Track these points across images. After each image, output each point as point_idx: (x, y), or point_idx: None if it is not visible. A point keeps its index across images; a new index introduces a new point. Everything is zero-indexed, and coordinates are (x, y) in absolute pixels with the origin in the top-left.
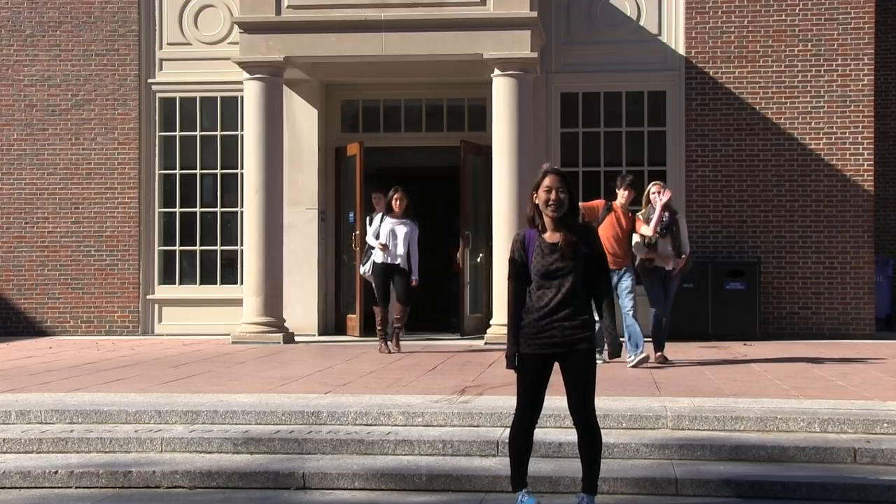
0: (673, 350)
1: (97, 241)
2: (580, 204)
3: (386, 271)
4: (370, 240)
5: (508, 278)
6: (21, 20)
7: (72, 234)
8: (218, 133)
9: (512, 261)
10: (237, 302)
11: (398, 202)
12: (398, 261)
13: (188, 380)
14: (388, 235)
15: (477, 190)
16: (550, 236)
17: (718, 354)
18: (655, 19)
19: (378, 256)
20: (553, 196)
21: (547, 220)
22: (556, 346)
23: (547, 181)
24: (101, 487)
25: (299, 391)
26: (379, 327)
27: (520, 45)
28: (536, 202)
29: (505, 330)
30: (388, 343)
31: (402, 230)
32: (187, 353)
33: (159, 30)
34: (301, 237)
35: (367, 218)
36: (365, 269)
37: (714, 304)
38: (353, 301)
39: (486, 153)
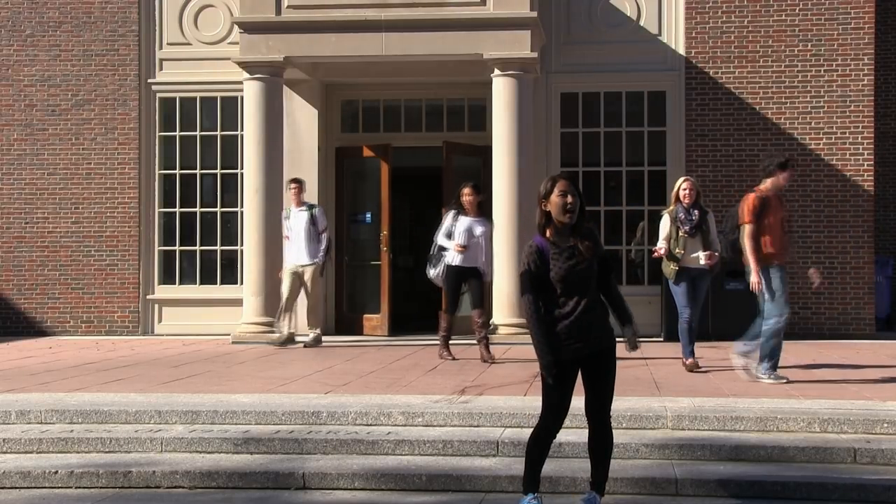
0: (673, 350)
1: (97, 241)
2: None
3: (460, 274)
4: (442, 241)
5: (523, 293)
6: (21, 20)
7: (72, 234)
8: (218, 133)
9: (527, 273)
10: (237, 302)
11: (470, 199)
12: (477, 263)
13: (188, 380)
14: (464, 235)
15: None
16: (564, 240)
17: (718, 354)
18: (655, 19)
19: (453, 258)
20: (570, 200)
21: (560, 226)
22: (588, 348)
23: (561, 186)
24: (101, 487)
25: (299, 391)
26: (444, 333)
27: (520, 45)
28: (547, 209)
29: (506, 330)
30: (449, 350)
31: (479, 229)
32: (187, 353)
33: (159, 30)
34: None
35: (283, 212)
36: (437, 273)
37: (714, 304)
38: (376, 300)
39: (485, 153)
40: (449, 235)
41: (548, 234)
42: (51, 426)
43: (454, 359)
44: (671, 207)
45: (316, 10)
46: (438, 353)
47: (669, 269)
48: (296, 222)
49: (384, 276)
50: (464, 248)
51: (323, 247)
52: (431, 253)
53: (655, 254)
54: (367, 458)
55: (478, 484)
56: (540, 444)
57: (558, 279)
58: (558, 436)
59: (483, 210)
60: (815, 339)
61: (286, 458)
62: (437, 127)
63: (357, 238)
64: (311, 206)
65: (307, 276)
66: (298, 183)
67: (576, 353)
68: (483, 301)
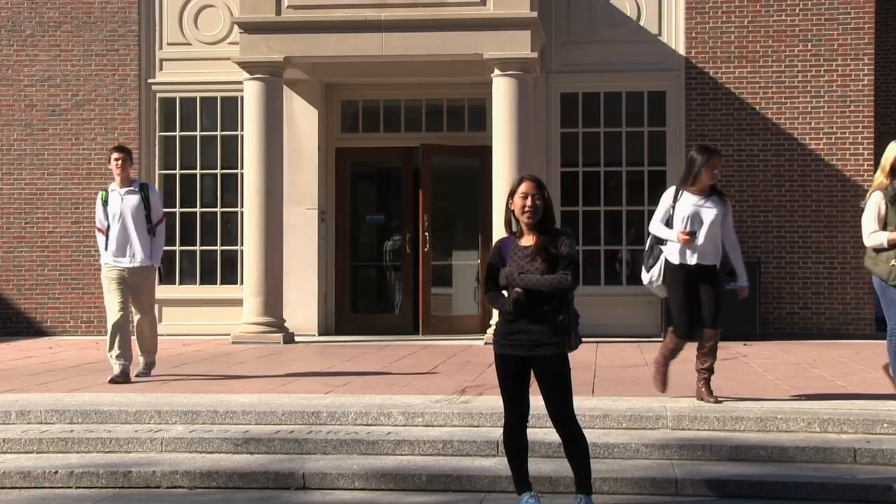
0: None
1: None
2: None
3: (690, 276)
4: (657, 229)
5: (482, 284)
6: (21, 20)
7: (72, 234)
8: (218, 133)
9: (488, 266)
10: (237, 302)
11: (710, 170)
12: (710, 258)
13: (188, 380)
14: (688, 221)
15: (469, 191)
16: (525, 240)
17: (718, 354)
18: (655, 19)
19: (675, 254)
20: (528, 202)
21: (523, 226)
22: (523, 349)
23: (523, 188)
24: (101, 487)
25: (299, 391)
26: (664, 356)
27: (520, 45)
28: (512, 208)
29: None
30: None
31: (709, 213)
32: (187, 353)
33: (159, 30)
34: (301, 237)
35: (99, 194)
36: (652, 276)
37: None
38: (390, 300)
39: (487, 154)
40: (668, 222)
41: (516, 232)
42: (51, 426)
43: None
44: (881, 181)
45: (316, 10)
46: (654, 382)
47: (890, 266)
48: (122, 207)
49: (407, 276)
50: (690, 237)
51: (162, 242)
52: (646, 249)
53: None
54: (367, 458)
55: (478, 484)
56: (509, 440)
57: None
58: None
59: (715, 188)
60: (814, 338)
61: (286, 458)
62: (438, 127)
63: (364, 238)
64: (142, 186)
65: (140, 283)
66: (124, 153)
67: (512, 350)
68: (718, 317)
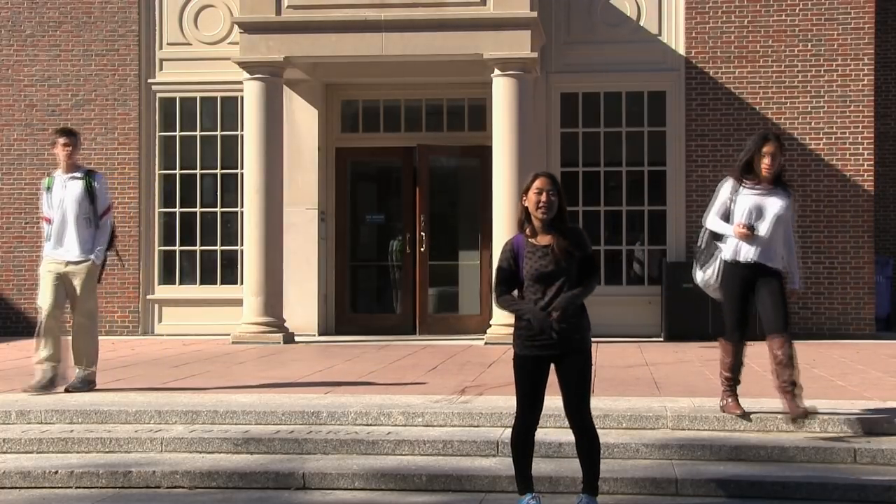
0: (673, 350)
1: None
2: None
3: (747, 276)
4: (713, 223)
5: (494, 286)
6: (21, 20)
7: None
8: (218, 133)
9: (500, 269)
10: (237, 302)
11: (771, 159)
12: (771, 259)
13: (188, 380)
14: (750, 214)
15: (469, 191)
16: (541, 239)
17: (718, 354)
18: (655, 19)
19: (731, 250)
20: (544, 198)
21: (536, 223)
22: (552, 348)
23: (537, 183)
24: (101, 487)
25: (299, 391)
26: (727, 374)
27: (520, 45)
28: (526, 205)
29: (506, 330)
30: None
31: (773, 205)
32: (187, 353)
33: (159, 30)
34: (301, 237)
35: (44, 181)
36: (708, 277)
37: (714, 304)
38: (393, 297)
39: (485, 154)
40: (726, 216)
41: (527, 231)
42: (51, 426)
43: (745, 417)
44: None
45: (316, 10)
46: (721, 403)
47: None
48: (64, 195)
49: (407, 276)
50: (749, 231)
51: (105, 236)
52: (699, 245)
53: None
54: (367, 458)
55: (478, 484)
56: (517, 440)
57: (527, 276)
58: (558, 435)
59: (780, 179)
60: (814, 338)
61: (286, 458)
62: (438, 127)
63: (364, 238)
64: (88, 173)
65: (77, 281)
66: (71, 137)
67: (539, 351)
68: (787, 320)
